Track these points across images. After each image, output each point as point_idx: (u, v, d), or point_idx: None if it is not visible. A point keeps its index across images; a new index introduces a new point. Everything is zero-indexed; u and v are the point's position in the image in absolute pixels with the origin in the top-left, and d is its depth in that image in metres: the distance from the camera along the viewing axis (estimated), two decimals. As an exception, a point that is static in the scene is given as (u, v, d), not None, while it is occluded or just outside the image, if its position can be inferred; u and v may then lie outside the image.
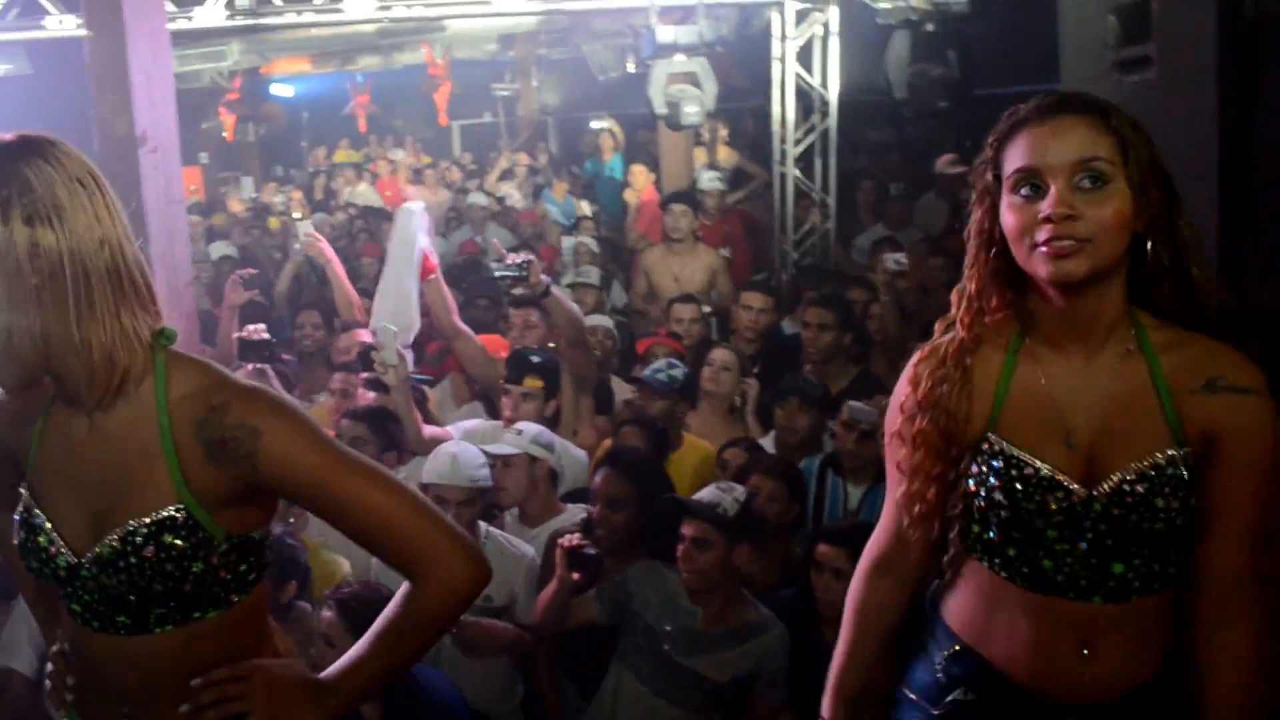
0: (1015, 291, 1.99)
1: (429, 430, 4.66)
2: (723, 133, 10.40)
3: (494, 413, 5.09)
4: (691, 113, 7.47)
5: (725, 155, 10.24)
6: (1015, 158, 1.89)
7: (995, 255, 1.96)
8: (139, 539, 1.78)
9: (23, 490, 1.89)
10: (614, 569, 3.87)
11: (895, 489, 2.11)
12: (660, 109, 7.55)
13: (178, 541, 1.80)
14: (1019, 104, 1.93)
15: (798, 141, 8.21)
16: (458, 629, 3.67)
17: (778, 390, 4.86)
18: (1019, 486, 1.93)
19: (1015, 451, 1.95)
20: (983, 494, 1.96)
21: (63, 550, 1.83)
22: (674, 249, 7.18)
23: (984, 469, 1.96)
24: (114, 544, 1.79)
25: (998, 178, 1.93)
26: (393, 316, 4.62)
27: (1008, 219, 1.90)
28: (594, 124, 12.43)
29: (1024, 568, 1.96)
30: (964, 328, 2.02)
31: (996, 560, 1.99)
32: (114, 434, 1.83)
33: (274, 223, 10.74)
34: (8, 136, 1.73)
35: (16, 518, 1.89)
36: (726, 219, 8.57)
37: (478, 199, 10.09)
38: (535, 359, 4.79)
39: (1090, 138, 1.85)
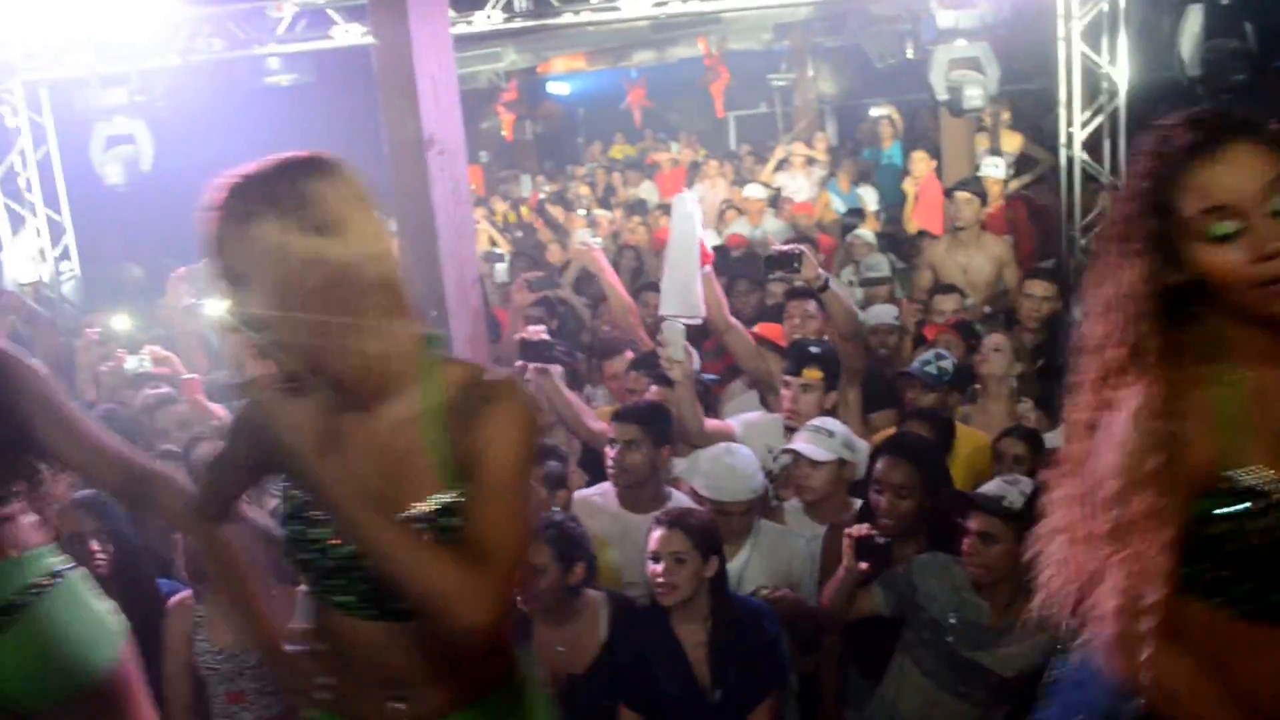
0: (1172, 324, 1.89)
1: (711, 424, 4.68)
2: (1005, 117, 10.05)
3: (769, 403, 5.08)
4: (974, 97, 7.27)
5: (1008, 140, 9.88)
6: (1199, 197, 1.80)
7: (1163, 299, 1.87)
8: (421, 527, 1.89)
9: (287, 488, 2.01)
10: (896, 559, 3.81)
11: (1144, 541, 1.89)
12: (942, 95, 7.38)
13: (455, 522, 1.90)
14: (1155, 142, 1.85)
15: (1084, 124, 7.84)
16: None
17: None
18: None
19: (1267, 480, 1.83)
20: (1232, 530, 1.84)
21: (338, 541, 1.94)
22: (959, 239, 6.97)
23: (1230, 503, 1.85)
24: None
25: (1167, 220, 1.83)
26: (679, 307, 4.68)
27: (1213, 261, 1.81)
28: (872, 111, 12.22)
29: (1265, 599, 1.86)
30: (1155, 377, 1.88)
31: (1227, 598, 1.89)
32: (385, 433, 1.93)
33: (551, 224, 11.05)
34: (301, 154, 1.85)
35: (285, 514, 2.01)
36: (1010, 206, 8.29)
37: (754, 191, 10.08)
38: (815, 350, 4.73)
39: (1267, 159, 1.78)
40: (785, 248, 4.92)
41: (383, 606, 1.95)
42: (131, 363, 5.68)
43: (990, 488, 3.66)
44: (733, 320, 5.11)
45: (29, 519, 2.85)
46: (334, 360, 1.83)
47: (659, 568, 3.55)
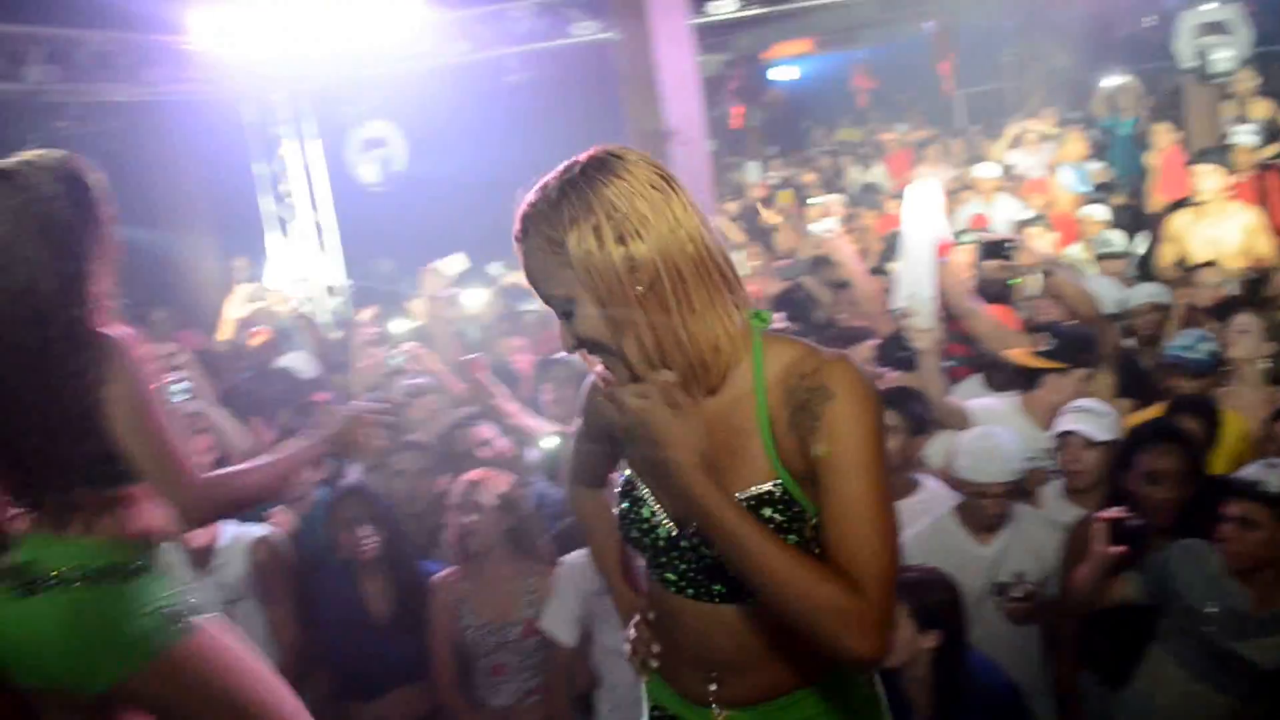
0: None
1: (950, 400, 4.66)
2: (1255, 83, 9.48)
3: (996, 385, 5.03)
4: (1223, 60, 6.92)
5: (1258, 108, 9.33)
6: None
7: None
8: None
9: (624, 466, 2.04)
10: (1154, 547, 3.70)
11: None
12: (1188, 61, 7.05)
13: (775, 515, 1.85)
14: None
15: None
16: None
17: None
18: None
19: None
20: None
21: (664, 522, 1.95)
22: (1204, 211, 6.67)
23: None
24: None
25: None
26: (912, 299, 4.66)
27: None
28: (1108, 82, 11.73)
29: None
30: None
31: None
32: (714, 414, 1.88)
33: (778, 206, 11.03)
34: (580, 158, 1.82)
35: (619, 490, 2.03)
36: (1262, 176, 7.85)
37: (986, 170, 9.84)
38: (1069, 333, 4.66)
39: None
40: (998, 236, 4.84)
41: (700, 588, 1.95)
42: (395, 360, 5.95)
43: (1249, 472, 3.52)
44: (972, 303, 5.05)
45: (151, 509, 2.78)
46: (676, 357, 1.82)
47: None
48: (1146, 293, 5.60)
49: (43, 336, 2.61)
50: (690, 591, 1.96)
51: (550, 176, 1.81)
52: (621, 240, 1.75)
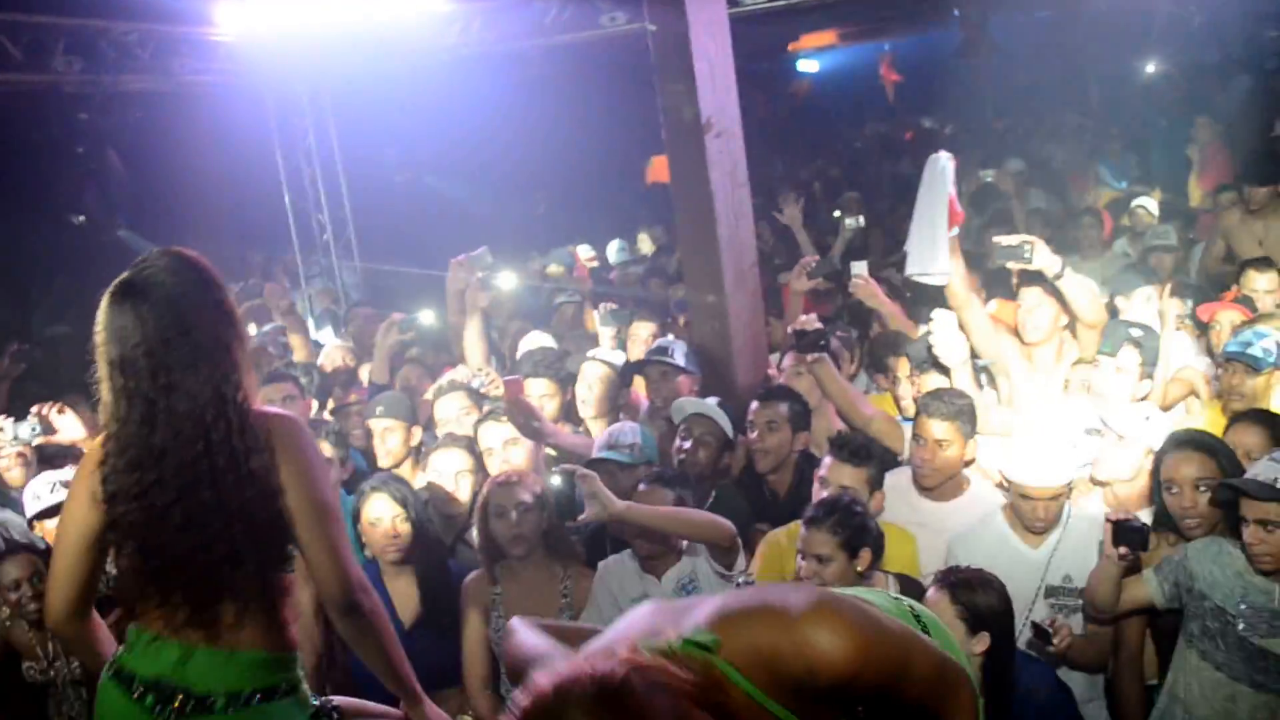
0: None
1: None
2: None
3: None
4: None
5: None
6: None
7: None
8: None
9: None
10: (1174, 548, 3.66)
11: None
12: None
13: None
14: None
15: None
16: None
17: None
18: None
19: None
20: None
21: None
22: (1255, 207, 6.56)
23: None
24: None
25: None
26: (925, 266, 4.60)
27: None
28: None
29: None
30: None
31: None
32: None
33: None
34: None
35: None
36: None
37: (1014, 164, 9.75)
38: (1135, 331, 4.57)
39: None
40: (1014, 237, 4.77)
41: None
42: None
43: (1262, 470, 3.41)
44: (973, 297, 4.94)
45: (293, 614, 2.72)
46: None
47: None
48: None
49: (215, 429, 2.53)
50: None
51: None
52: None
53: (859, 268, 5.35)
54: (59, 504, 4.43)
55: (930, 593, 3.39)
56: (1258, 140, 8.21)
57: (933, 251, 4.57)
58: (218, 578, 2.54)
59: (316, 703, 2.72)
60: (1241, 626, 3.42)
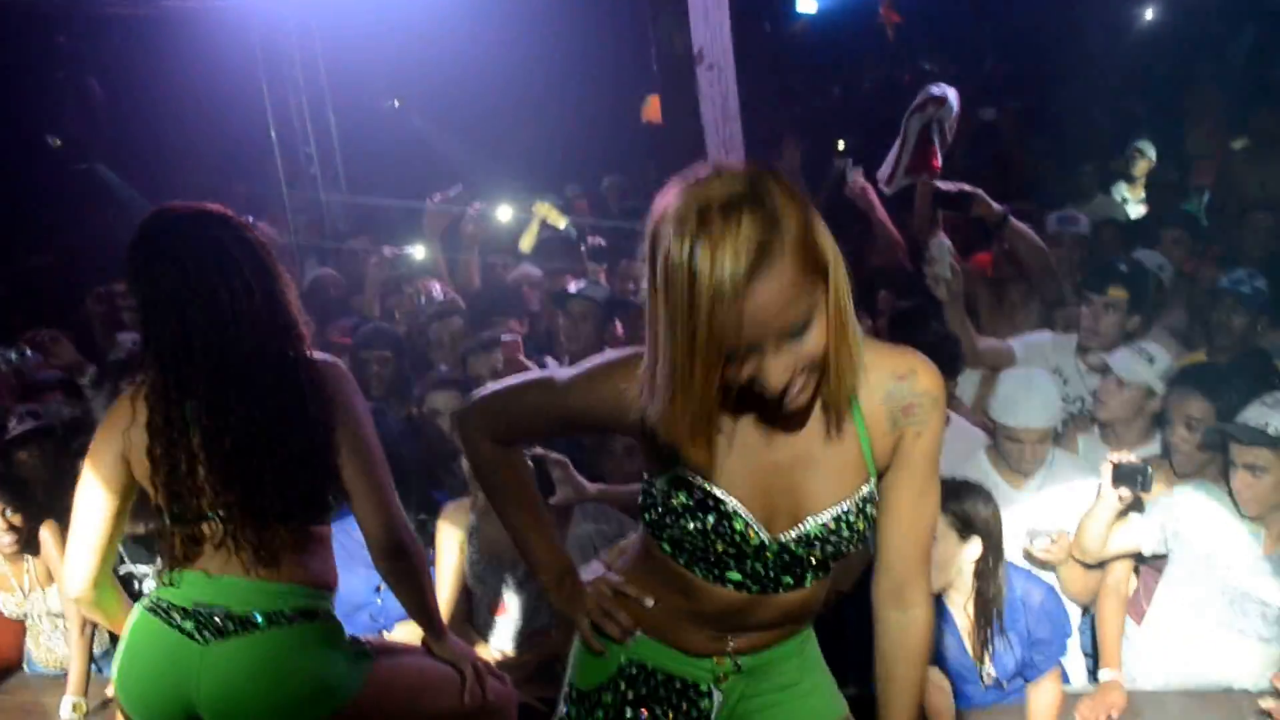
0: None
1: (985, 342, 4.55)
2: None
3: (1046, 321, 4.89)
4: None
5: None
6: None
7: None
8: (851, 517, 2.02)
9: (693, 478, 2.00)
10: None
11: None
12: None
13: (873, 512, 2.06)
14: None
15: None
16: None
17: None
18: None
19: None
20: None
21: (758, 532, 2.02)
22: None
23: None
24: (825, 523, 2.01)
25: None
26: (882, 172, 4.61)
27: None
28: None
29: None
30: None
31: None
32: (802, 426, 1.98)
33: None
34: (751, 181, 1.72)
35: (693, 502, 2.02)
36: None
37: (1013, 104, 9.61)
38: (1123, 267, 4.51)
39: None
40: (955, 186, 4.77)
41: (769, 584, 2.10)
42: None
43: (1252, 415, 3.43)
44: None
45: (329, 557, 2.84)
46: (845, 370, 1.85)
47: None
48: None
49: (270, 364, 2.58)
50: (755, 588, 2.10)
51: (741, 200, 1.68)
52: (818, 271, 1.74)
53: (855, 172, 5.32)
54: (23, 434, 4.39)
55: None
56: (1258, 86, 8.09)
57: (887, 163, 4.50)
58: (267, 513, 2.60)
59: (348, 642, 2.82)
60: (1224, 571, 3.44)
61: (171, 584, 2.68)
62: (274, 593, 2.66)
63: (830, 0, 17.31)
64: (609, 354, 2.10)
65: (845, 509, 2.00)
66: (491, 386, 2.32)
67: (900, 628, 2.17)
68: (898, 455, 2.03)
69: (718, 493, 1.99)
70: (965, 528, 3.39)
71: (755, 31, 14.61)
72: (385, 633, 4.03)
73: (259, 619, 2.63)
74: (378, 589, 4.04)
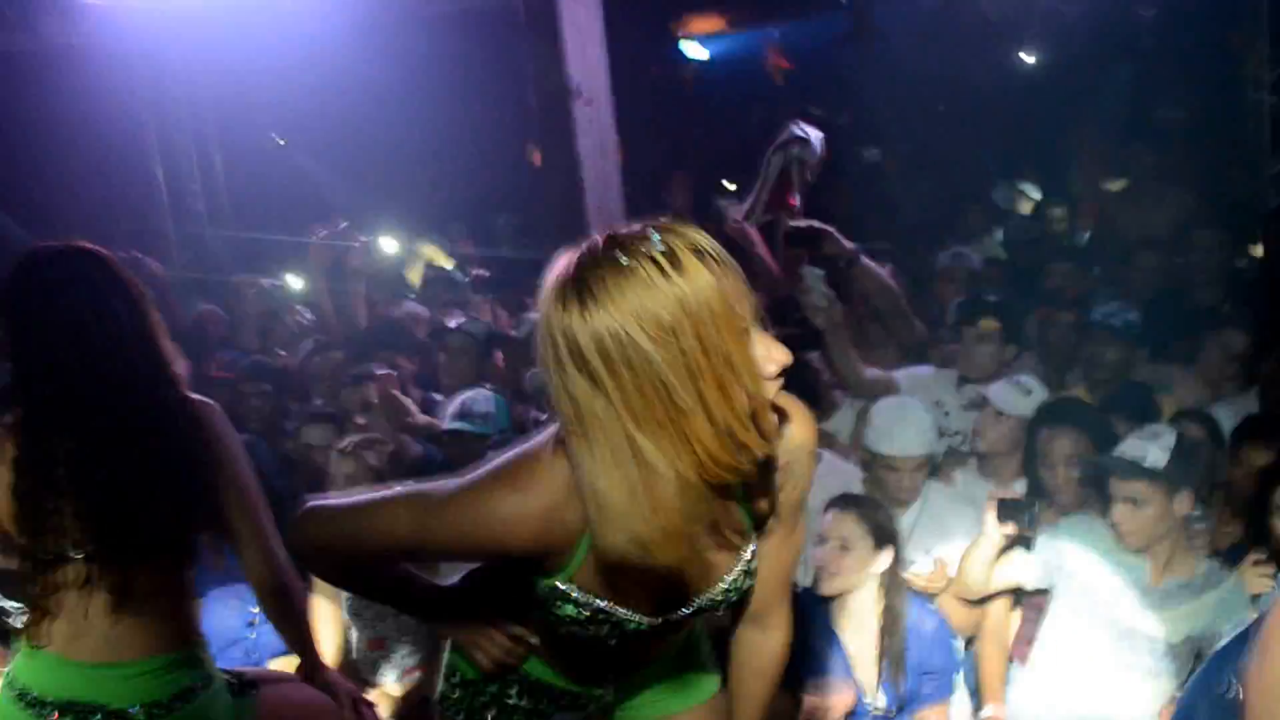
0: None
1: (870, 372, 4.58)
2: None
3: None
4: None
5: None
6: None
7: None
8: (738, 581, 2.00)
9: (588, 598, 1.92)
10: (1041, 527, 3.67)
11: None
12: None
13: (756, 566, 2.03)
14: None
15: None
16: None
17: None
18: None
19: None
20: None
21: (646, 621, 1.96)
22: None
23: None
24: (713, 596, 1.98)
25: None
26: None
27: None
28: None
29: None
30: None
31: None
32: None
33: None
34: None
35: (584, 616, 1.94)
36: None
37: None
38: (993, 298, 4.61)
39: None
40: (807, 224, 4.86)
41: (659, 638, 2.09)
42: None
43: (1127, 447, 3.44)
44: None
45: (191, 598, 2.75)
46: None
47: (822, 551, 3.45)
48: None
49: (142, 403, 2.53)
50: (633, 646, 2.07)
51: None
52: None
53: (733, 208, 5.37)
54: None
55: (831, 515, 3.44)
56: (1140, 125, 8.33)
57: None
58: (133, 555, 2.53)
59: (229, 678, 2.77)
60: (1109, 604, 3.43)
61: (33, 664, 2.57)
62: (150, 678, 2.57)
63: (722, 47, 17.60)
64: (499, 460, 1.87)
65: (732, 577, 1.97)
66: (331, 502, 2.03)
67: (756, 646, 2.21)
68: (774, 517, 2.00)
69: (618, 612, 1.93)
70: (880, 538, 3.42)
71: (642, 74, 14.76)
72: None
73: (139, 715, 2.55)
74: (251, 623, 3.98)
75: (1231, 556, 3.50)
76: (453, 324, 5.48)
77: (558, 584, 1.89)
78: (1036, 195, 8.38)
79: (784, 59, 16.39)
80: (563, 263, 1.70)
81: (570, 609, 1.92)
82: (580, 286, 1.63)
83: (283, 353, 6.12)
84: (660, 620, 1.97)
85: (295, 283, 6.75)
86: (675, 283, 1.61)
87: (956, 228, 7.77)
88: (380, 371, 4.85)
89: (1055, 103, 10.24)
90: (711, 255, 1.67)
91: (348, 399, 4.84)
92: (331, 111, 9.02)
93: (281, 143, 9.00)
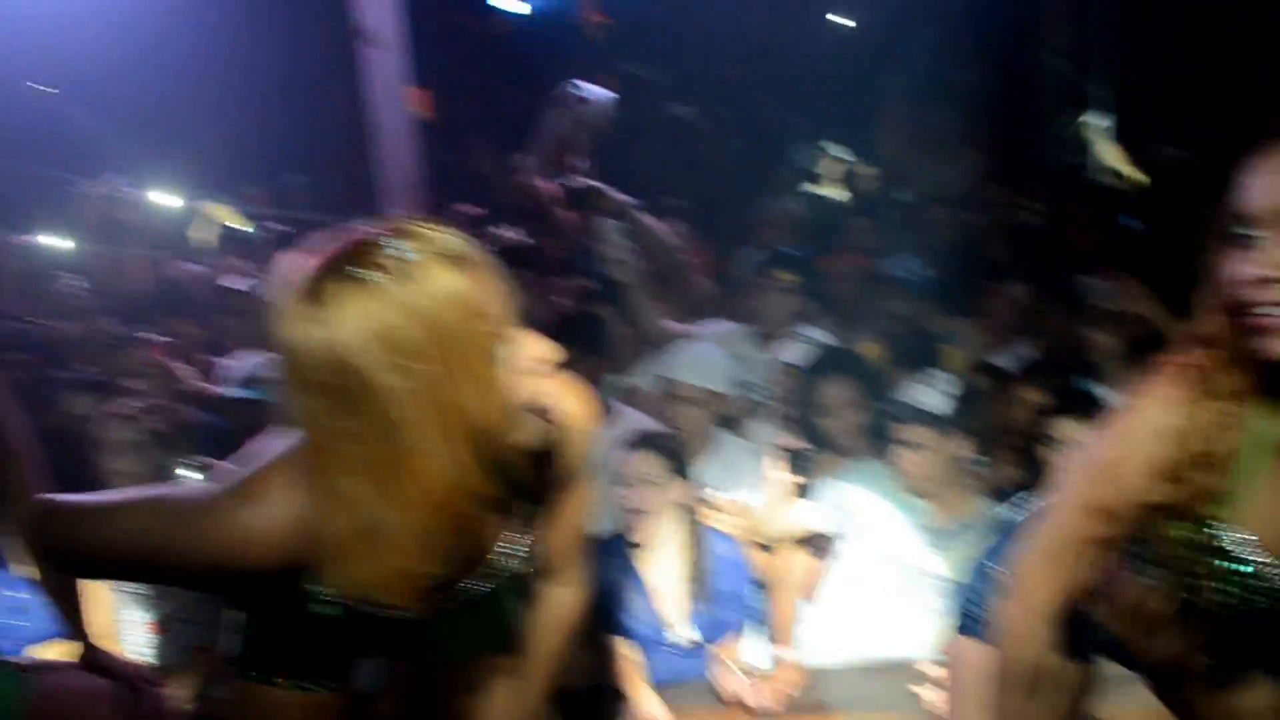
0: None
1: (671, 325, 4.61)
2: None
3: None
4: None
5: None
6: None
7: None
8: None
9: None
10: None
11: None
12: None
13: None
14: None
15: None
16: None
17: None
18: None
19: None
20: None
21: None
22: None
23: None
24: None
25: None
26: None
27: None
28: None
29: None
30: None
31: None
32: None
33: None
34: None
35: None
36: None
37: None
38: (789, 253, 4.70)
39: None
40: (580, 182, 4.90)
41: None
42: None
43: (909, 394, 3.67)
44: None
45: None
46: None
47: (630, 493, 3.44)
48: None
49: None
50: None
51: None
52: None
53: (528, 162, 5.28)
54: None
55: (633, 457, 3.44)
56: (939, 87, 8.51)
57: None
58: None
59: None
60: (896, 547, 3.52)
61: None
62: None
63: (541, 2, 17.35)
64: (264, 450, 1.69)
65: (506, 568, 1.94)
66: (75, 499, 1.77)
67: (552, 601, 2.18)
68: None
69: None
70: (675, 469, 3.43)
71: (450, 24, 14.45)
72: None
73: None
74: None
75: (1010, 496, 3.58)
76: (241, 287, 5.20)
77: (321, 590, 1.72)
78: (843, 155, 8.48)
79: (601, 14, 16.27)
80: (297, 265, 1.54)
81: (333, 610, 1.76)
82: (313, 299, 1.49)
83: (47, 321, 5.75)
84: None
85: (61, 243, 6.34)
86: (415, 295, 1.49)
87: (764, 186, 7.80)
88: (147, 337, 4.57)
89: (863, 65, 10.42)
90: (462, 259, 1.55)
91: (112, 366, 4.55)
92: (112, 64, 8.53)
93: (52, 92, 8.47)
